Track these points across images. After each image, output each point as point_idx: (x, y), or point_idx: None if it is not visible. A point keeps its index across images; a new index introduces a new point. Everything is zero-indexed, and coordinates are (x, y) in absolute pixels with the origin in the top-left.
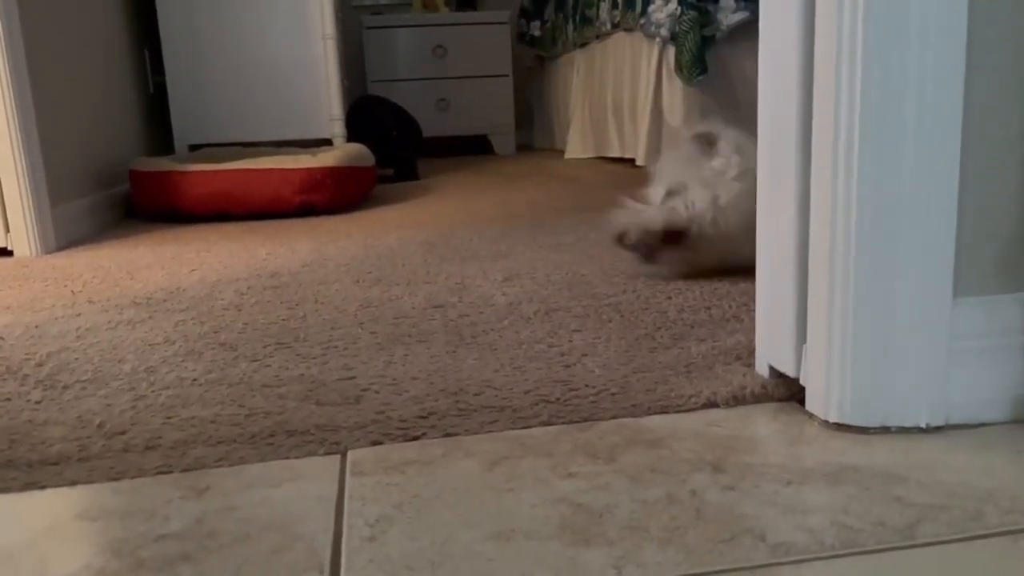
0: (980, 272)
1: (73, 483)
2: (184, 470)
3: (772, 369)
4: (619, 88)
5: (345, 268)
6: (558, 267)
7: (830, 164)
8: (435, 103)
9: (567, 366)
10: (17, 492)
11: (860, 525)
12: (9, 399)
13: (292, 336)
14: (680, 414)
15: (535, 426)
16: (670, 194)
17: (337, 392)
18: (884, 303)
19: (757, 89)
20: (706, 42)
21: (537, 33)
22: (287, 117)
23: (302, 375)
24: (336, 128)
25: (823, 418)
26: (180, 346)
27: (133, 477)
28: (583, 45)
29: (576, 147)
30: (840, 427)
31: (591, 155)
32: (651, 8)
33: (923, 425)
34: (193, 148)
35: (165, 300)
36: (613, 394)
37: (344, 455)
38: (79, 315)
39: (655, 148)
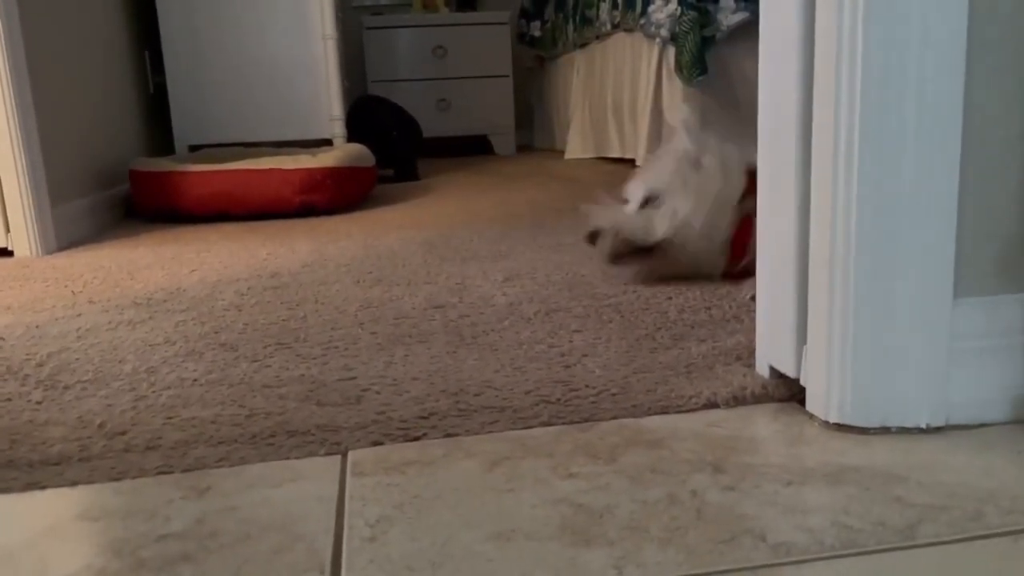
0: (980, 272)
1: (74, 483)
2: (185, 470)
3: (772, 369)
4: (619, 88)
5: (345, 268)
6: (558, 267)
7: (830, 164)
8: (435, 103)
9: (567, 366)
10: (18, 492)
11: (860, 525)
12: (10, 399)
13: (292, 336)
14: (680, 414)
15: (536, 426)
16: (649, 199)
17: (338, 392)
18: (884, 303)
19: (757, 89)
20: (706, 42)
21: (537, 33)
22: (287, 117)
23: (303, 375)
24: (336, 128)
25: (823, 418)
26: (180, 346)
27: (134, 477)
28: (583, 45)
29: (576, 147)
30: (840, 427)
31: (591, 155)
32: (651, 8)
33: (923, 425)
34: (193, 148)
35: (165, 300)
36: (613, 394)
37: (345, 455)
38: (79, 315)
39: (655, 148)
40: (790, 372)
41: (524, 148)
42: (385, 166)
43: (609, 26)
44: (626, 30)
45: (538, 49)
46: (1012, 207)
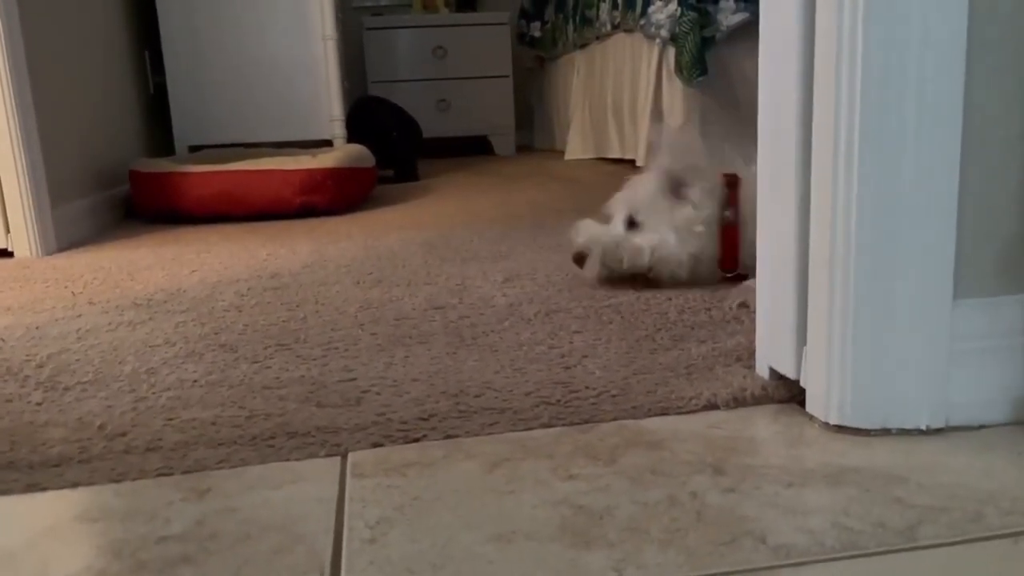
0: (980, 273)
1: (74, 485)
2: (185, 472)
3: (772, 371)
4: (619, 89)
5: (345, 269)
6: (558, 268)
7: (830, 164)
8: (435, 104)
9: (567, 368)
10: (18, 494)
11: (861, 527)
12: (10, 401)
13: (292, 337)
14: (680, 416)
15: (536, 428)
16: (632, 224)
17: (338, 394)
18: (884, 304)
19: (757, 90)
20: (706, 43)
21: (537, 34)
22: (287, 118)
23: (303, 377)
24: (336, 129)
25: (823, 420)
26: (180, 347)
27: (134, 479)
28: (583, 46)
29: (576, 148)
30: (840, 429)
31: (591, 156)
32: (651, 9)
33: (923, 427)
34: (193, 149)
35: (165, 301)
36: (613, 396)
37: (345, 457)
38: (79, 316)
39: (651, 152)
40: (790, 373)
41: (524, 148)
42: (385, 167)
43: (609, 27)
44: (626, 31)
45: (538, 49)
46: (1012, 207)
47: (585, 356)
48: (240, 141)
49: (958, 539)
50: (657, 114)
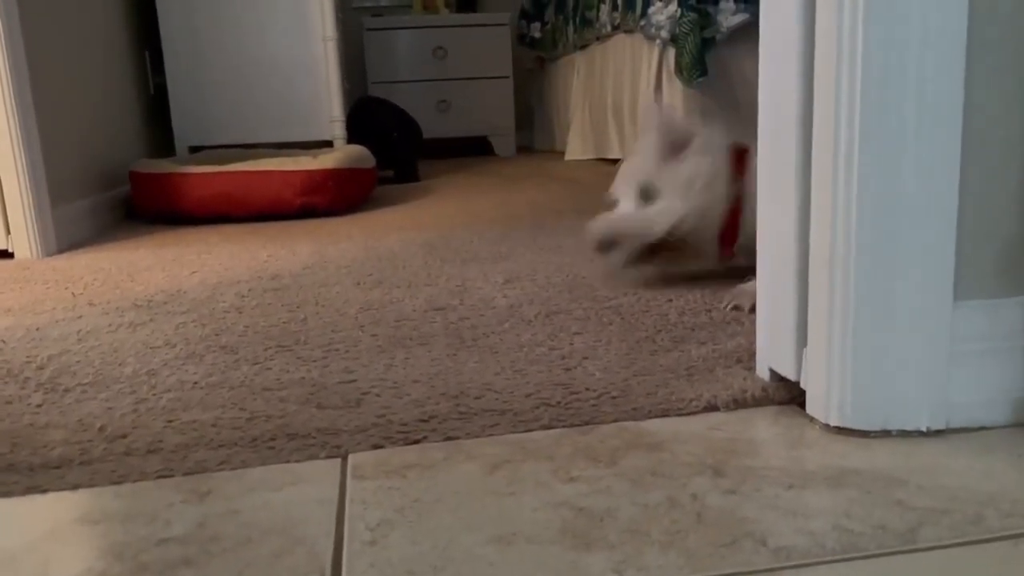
0: (980, 274)
1: (75, 487)
2: (186, 474)
3: (773, 372)
4: (619, 90)
5: (346, 270)
6: (559, 269)
7: (830, 165)
8: (435, 104)
9: (568, 369)
10: (19, 496)
11: (861, 529)
12: (10, 402)
13: (293, 339)
14: (681, 417)
15: (536, 429)
16: (644, 197)
17: (338, 395)
18: (885, 305)
19: (757, 90)
20: (706, 44)
21: (537, 35)
22: (288, 119)
23: (303, 378)
24: (337, 130)
25: (824, 421)
26: (181, 349)
27: (134, 481)
28: (583, 47)
29: (576, 149)
30: (841, 430)
31: (591, 157)
32: (651, 10)
33: (924, 428)
34: (194, 150)
35: (166, 302)
36: (614, 397)
37: (345, 459)
38: (80, 317)
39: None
40: (790, 375)
41: (524, 149)
42: (385, 167)
43: (609, 28)
44: (626, 32)
45: (538, 50)
46: (1012, 208)
47: (585, 357)
48: (240, 142)
49: (959, 541)
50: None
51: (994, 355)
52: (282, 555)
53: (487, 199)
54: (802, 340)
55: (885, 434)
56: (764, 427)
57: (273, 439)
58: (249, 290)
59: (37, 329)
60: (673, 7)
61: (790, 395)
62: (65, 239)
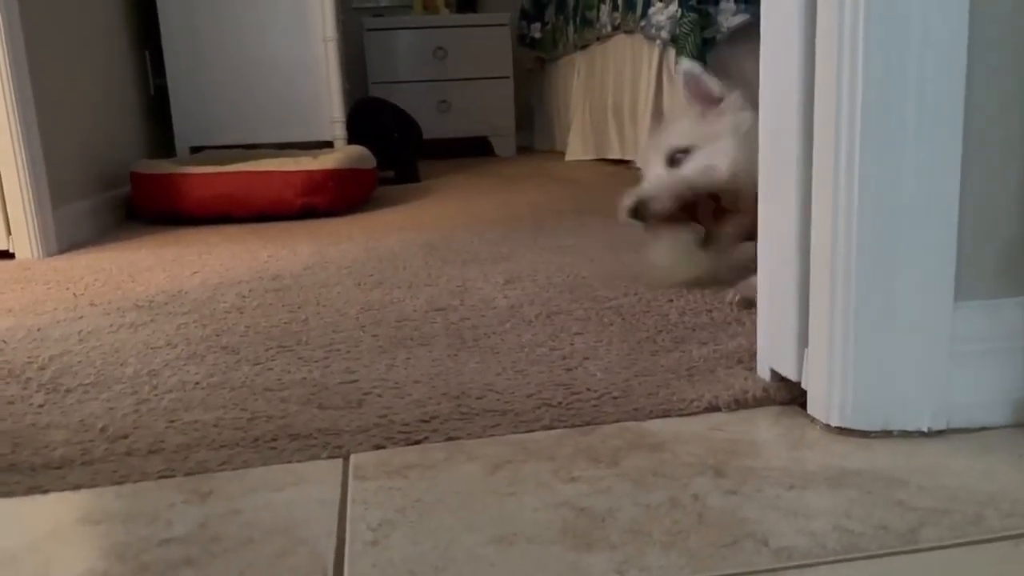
0: (981, 274)
1: (76, 487)
2: (187, 474)
3: (774, 373)
4: (619, 90)
5: (347, 271)
6: (559, 270)
7: (831, 165)
8: (436, 105)
9: (569, 369)
10: (20, 496)
11: (862, 529)
12: (12, 403)
13: (294, 339)
14: (682, 418)
15: (537, 430)
16: (675, 159)
17: (339, 396)
18: (885, 306)
19: (757, 91)
20: (707, 44)
21: (537, 35)
22: (288, 119)
23: (304, 378)
24: (337, 130)
25: (825, 422)
26: (182, 349)
27: (136, 481)
28: (583, 47)
29: (576, 149)
30: (842, 431)
31: (591, 157)
32: (651, 10)
33: (925, 429)
34: (195, 150)
35: (167, 303)
36: (615, 398)
37: (347, 459)
38: (81, 318)
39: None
40: (791, 375)
41: (524, 150)
42: (386, 168)
43: (609, 28)
44: (626, 32)
45: (538, 51)
46: (1013, 208)
47: (586, 358)
48: (241, 142)
49: (959, 541)
50: (658, 115)
51: (994, 356)
52: (284, 555)
53: (487, 200)
54: (803, 340)
55: (886, 434)
56: (765, 427)
57: (275, 439)
58: (250, 290)
59: (38, 329)
60: (673, 7)
61: (791, 395)
62: (66, 239)
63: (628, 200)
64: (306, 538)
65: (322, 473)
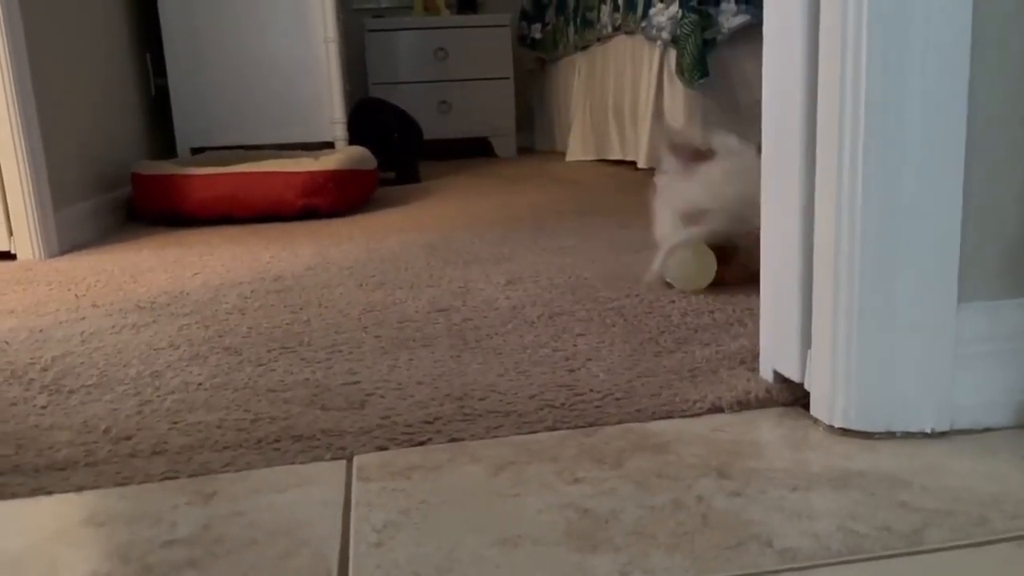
0: (985, 275)
1: (80, 488)
2: (190, 475)
3: (776, 374)
4: (620, 91)
5: (348, 271)
6: (561, 270)
7: (834, 165)
8: (436, 105)
9: (571, 370)
10: (24, 497)
11: (866, 531)
12: (14, 404)
13: (296, 340)
14: (685, 419)
15: (540, 431)
16: (689, 218)
17: (342, 397)
18: (888, 307)
19: (758, 92)
20: (707, 45)
21: (538, 36)
22: (289, 120)
23: (307, 379)
24: (338, 131)
25: (828, 423)
26: (185, 350)
27: (140, 482)
28: (584, 48)
29: (577, 150)
30: (845, 432)
31: (592, 158)
32: (652, 11)
33: (928, 430)
34: (195, 151)
35: (169, 304)
36: (618, 399)
37: (350, 460)
38: (83, 319)
39: (656, 151)
40: (794, 376)
41: (525, 150)
42: (386, 169)
43: (610, 28)
44: (627, 33)
45: (539, 51)
46: (1017, 209)
47: (589, 359)
48: (242, 143)
49: (963, 543)
50: (658, 116)
51: (998, 357)
52: (288, 557)
53: (488, 200)
54: (806, 341)
55: (889, 436)
56: (768, 429)
57: (278, 441)
58: (252, 291)
59: (41, 331)
60: (674, 8)
61: (794, 396)
62: (67, 241)
63: (657, 264)
64: (310, 540)
65: (325, 474)
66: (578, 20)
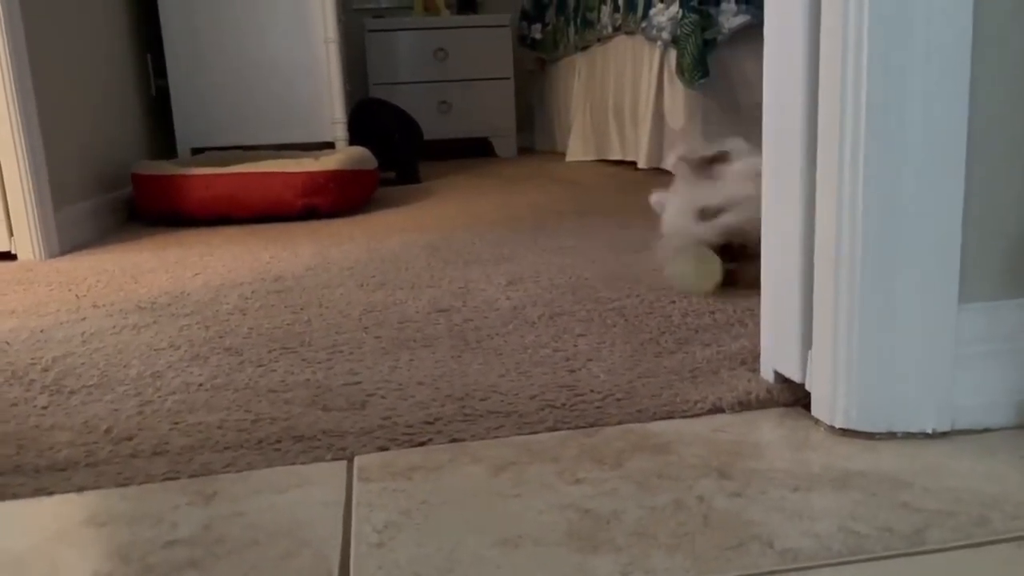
0: (985, 276)
1: (81, 489)
2: (191, 476)
3: (777, 374)
4: (620, 91)
5: (348, 272)
6: (561, 271)
7: (835, 165)
8: (436, 106)
9: (572, 371)
10: (25, 498)
11: (867, 531)
12: (15, 404)
13: (297, 341)
14: (686, 419)
15: (541, 431)
16: (705, 214)
17: (343, 397)
18: (889, 307)
19: (758, 92)
20: (707, 45)
21: (538, 36)
22: (289, 120)
23: (308, 380)
24: (338, 131)
25: (829, 423)
26: (185, 351)
27: (141, 483)
28: (584, 48)
29: (577, 150)
30: (846, 432)
31: (592, 158)
32: (652, 11)
33: (929, 430)
34: (196, 151)
35: (169, 304)
36: (619, 399)
37: (351, 461)
38: (84, 319)
39: (656, 151)
40: (795, 377)
41: (525, 150)
42: (387, 169)
43: (610, 29)
44: (627, 33)
45: (539, 52)
46: (1017, 209)
47: (590, 359)
48: (242, 143)
49: (964, 543)
50: (658, 117)
51: (999, 357)
52: (288, 557)
53: (488, 200)
54: (807, 342)
55: (890, 436)
56: (769, 429)
57: (279, 441)
58: (252, 292)
59: (41, 331)
60: (674, 8)
61: (795, 397)
62: (68, 241)
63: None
64: (311, 540)
65: (326, 475)
66: (578, 20)
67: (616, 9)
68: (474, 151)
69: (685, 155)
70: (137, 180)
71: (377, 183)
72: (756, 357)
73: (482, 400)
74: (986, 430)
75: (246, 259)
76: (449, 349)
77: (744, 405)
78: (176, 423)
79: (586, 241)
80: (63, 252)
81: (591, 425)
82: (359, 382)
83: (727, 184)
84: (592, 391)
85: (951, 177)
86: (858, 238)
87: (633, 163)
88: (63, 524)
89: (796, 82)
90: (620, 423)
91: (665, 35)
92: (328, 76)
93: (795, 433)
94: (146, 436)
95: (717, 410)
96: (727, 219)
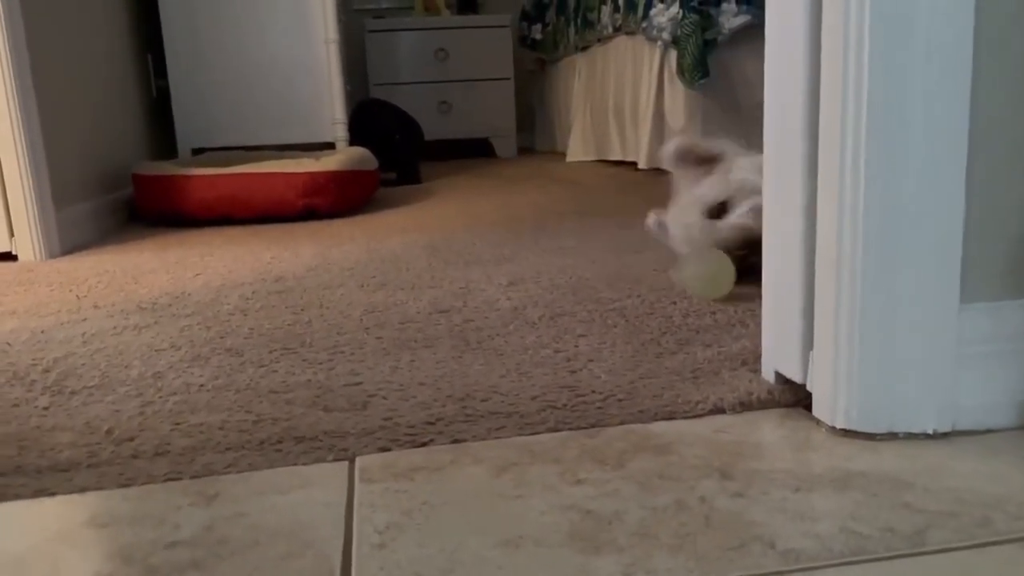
0: (987, 276)
1: (82, 489)
2: (193, 476)
3: (778, 375)
4: (620, 91)
5: (349, 272)
6: (562, 271)
7: (837, 165)
8: (437, 106)
9: (573, 371)
10: (27, 499)
11: (869, 532)
12: (17, 405)
13: (298, 341)
14: (687, 420)
15: (542, 432)
16: (712, 210)
17: (344, 398)
18: (891, 307)
19: (759, 92)
20: (708, 45)
21: (538, 36)
22: (290, 121)
23: (309, 381)
24: (338, 131)
25: (830, 424)
26: (186, 351)
27: (142, 484)
28: (584, 48)
29: (577, 150)
30: (847, 433)
31: (592, 158)
32: (653, 12)
33: (930, 431)
34: (196, 152)
35: (170, 305)
36: (620, 400)
37: (352, 461)
38: (85, 320)
39: (656, 152)
40: (796, 377)
41: (525, 151)
42: (387, 169)
43: (611, 29)
44: (628, 33)
45: (539, 52)
46: (1019, 209)
47: (591, 360)
48: (243, 144)
49: (966, 544)
50: (659, 117)
51: (1000, 358)
52: (290, 558)
53: (489, 201)
54: (808, 342)
55: (891, 436)
56: (770, 430)
57: (280, 442)
58: (253, 292)
59: (42, 332)
60: (675, 9)
61: (796, 398)
62: (68, 241)
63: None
64: (312, 541)
65: (328, 476)
66: (579, 21)
67: (616, 9)
68: (474, 151)
69: (681, 148)
70: (138, 180)
71: (378, 183)
72: (757, 358)
73: (483, 401)
74: (988, 431)
75: (247, 259)
76: (450, 350)
77: (745, 406)
78: (178, 424)
79: (587, 241)
80: (64, 253)
81: (592, 426)
82: (360, 383)
83: (733, 175)
84: (593, 392)
85: (952, 177)
86: (859, 238)
87: (633, 163)
88: (65, 525)
89: (797, 82)
90: (621, 424)
91: (665, 35)
92: (328, 76)
93: (796, 434)
94: (148, 437)
95: (718, 411)
96: (739, 217)
